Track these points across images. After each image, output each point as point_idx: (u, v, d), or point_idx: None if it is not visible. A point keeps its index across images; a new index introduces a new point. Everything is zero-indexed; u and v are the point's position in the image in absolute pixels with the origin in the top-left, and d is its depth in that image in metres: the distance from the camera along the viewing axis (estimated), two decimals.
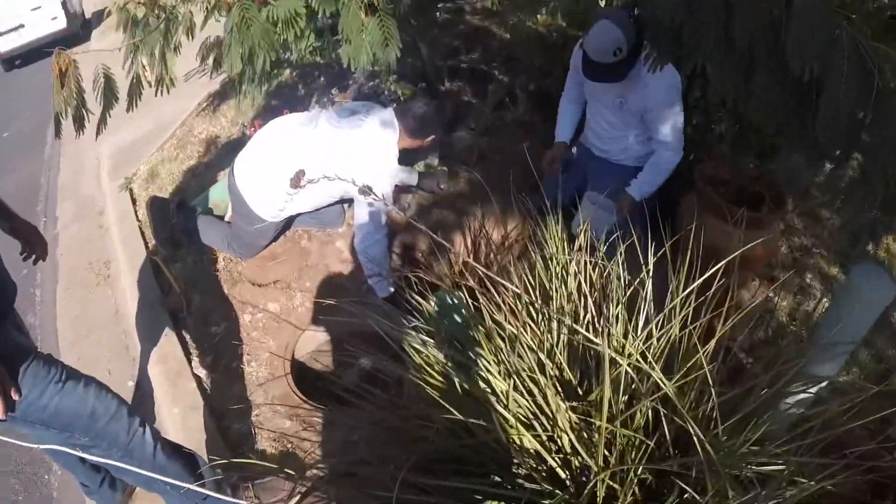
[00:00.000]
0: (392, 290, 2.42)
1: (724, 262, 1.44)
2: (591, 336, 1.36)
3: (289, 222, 2.82)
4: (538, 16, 3.66)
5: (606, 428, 1.24)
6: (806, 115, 1.26)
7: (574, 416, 1.41)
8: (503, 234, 2.71)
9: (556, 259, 1.71)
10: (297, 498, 1.69)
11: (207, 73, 3.76)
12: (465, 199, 2.93)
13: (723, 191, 2.44)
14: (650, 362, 1.31)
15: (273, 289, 2.65)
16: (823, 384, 1.45)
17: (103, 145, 4.71)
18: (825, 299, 2.49)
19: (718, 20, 1.36)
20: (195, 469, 1.84)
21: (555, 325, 1.60)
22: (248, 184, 2.51)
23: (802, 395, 1.44)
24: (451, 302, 2.37)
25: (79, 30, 10.32)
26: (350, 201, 2.68)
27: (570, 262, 1.69)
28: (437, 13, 4.01)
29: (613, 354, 1.27)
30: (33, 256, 1.96)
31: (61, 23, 10.17)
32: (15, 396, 1.41)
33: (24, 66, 10.62)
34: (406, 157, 2.74)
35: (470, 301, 1.76)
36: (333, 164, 2.34)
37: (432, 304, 2.32)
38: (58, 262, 3.67)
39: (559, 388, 1.44)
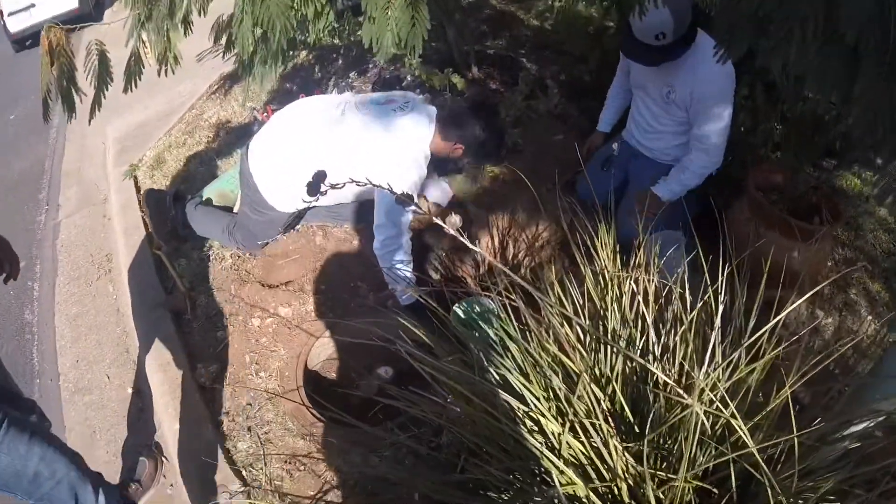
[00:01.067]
0: (415, 297, 2.20)
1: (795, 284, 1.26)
2: (661, 374, 1.14)
3: (301, 215, 2.60)
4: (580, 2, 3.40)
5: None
6: None
7: (633, 462, 1.20)
8: (534, 233, 2.48)
9: (609, 275, 1.48)
10: None
11: (220, 54, 3.55)
12: (495, 194, 2.70)
13: (776, 199, 2.24)
14: (732, 411, 1.08)
15: (284, 291, 2.43)
16: (881, 418, 1.25)
17: (110, 127, 4.51)
18: (869, 316, 2.29)
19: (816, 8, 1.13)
20: None
21: (610, 352, 1.39)
22: (262, 171, 2.30)
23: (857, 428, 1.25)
24: (479, 310, 2.16)
25: (91, 9, 10.15)
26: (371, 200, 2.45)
27: (627, 280, 1.46)
28: None
29: (694, 403, 1.04)
30: (3, 276, 1.71)
31: (73, 2, 10.00)
32: None
33: (35, 47, 10.47)
34: (436, 167, 2.52)
35: (502, 308, 1.52)
36: (357, 160, 2.12)
37: (460, 312, 2.11)
38: (58, 253, 3.48)
39: (614, 427, 1.22)
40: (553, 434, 1.23)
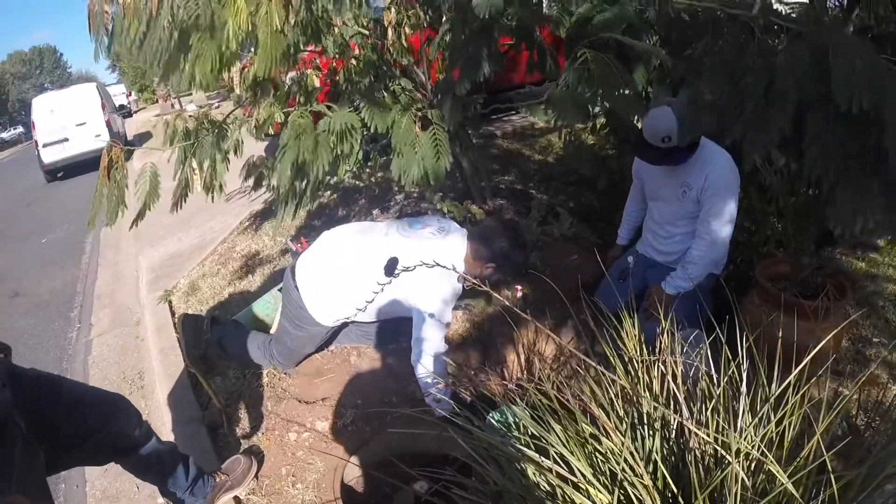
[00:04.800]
0: (450, 407, 2.33)
1: (809, 356, 1.36)
2: (699, 432, 1.26)
3: (335, 333, 2.77)
4: (583, 129, 3.77)
5: None
6: None
7: None
8: (557, 347, 2.64)
9: (637, 360, 1.63)
10: None
11: (248, 194, 3.90)
12: (515, 314, 2.89)
13: (785, 285, 2.40)
14: (768, 457, 1.19)
15: (321, 406, 2.56)
16: None
17: (142, 257, 4.79)
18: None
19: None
20: None
21: (648, 431, 1.50)
22: (309, 285, 2.47)
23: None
24: (511, 419, 2.28)
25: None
26: (401, 319, 2.63)
27: (655, 364, 1.61)
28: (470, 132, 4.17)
29: (732, 460, 1.16)
30: None
31: (104, 140, 10.68)
32: None
33: (66, 179, 11.09)
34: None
35: (533, 415, 1.64)
36: (403, 276, 2.31)
37: (493, 421, 2.23)
38: (88, 370, 3.61)
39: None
40: None
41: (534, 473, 1.46)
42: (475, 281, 1.35)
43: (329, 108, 2.98)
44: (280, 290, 3.25)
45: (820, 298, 2.24)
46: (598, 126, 3.47)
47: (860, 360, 2.50)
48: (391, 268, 2.31)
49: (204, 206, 5.32)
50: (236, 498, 2.29)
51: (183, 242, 4.73)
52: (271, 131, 3.86)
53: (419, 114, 2.80)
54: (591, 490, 1.30)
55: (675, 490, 1.30)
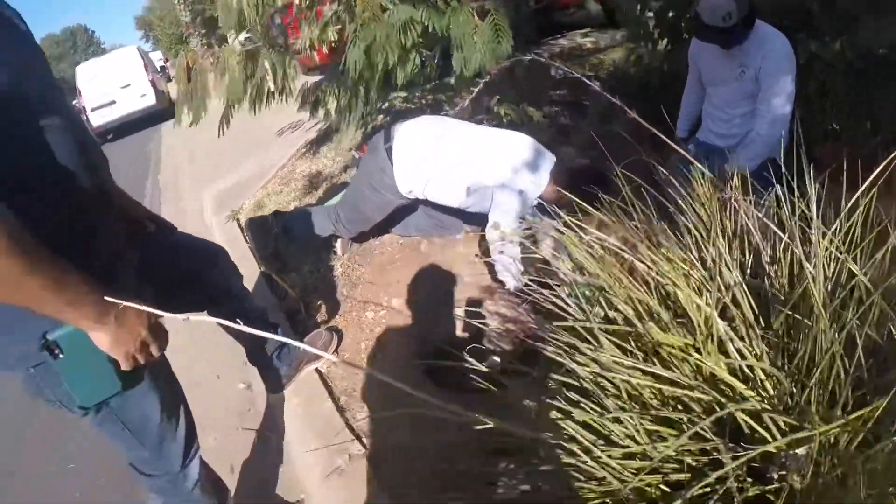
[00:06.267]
0: (522, 283, 2.45)
1: None
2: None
3: (400, 218, 2.91)
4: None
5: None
6: None
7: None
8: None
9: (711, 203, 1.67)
10: None
11: (298, 127, 4.01)
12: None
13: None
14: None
15: (397, 286, 2.70)
16: None
17: (205, 192, 4.98)
18: None
19: None
20: None
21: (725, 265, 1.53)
22: (402, 152, 2.56)
23: None
24: (589, 293, 2.38)
25: (167, 105, 11.06)
26: (471, 215, 2.73)
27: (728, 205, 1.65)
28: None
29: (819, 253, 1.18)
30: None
31: (150, 99, 10.95)
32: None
33: (115, 141, 11.43)
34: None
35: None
36: (493, 160, 2.46)
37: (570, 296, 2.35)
38: None
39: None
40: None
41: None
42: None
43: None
44: None
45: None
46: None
47: None
48: (489, 159, 2.43)
49: (256, 142, 5.52)
50: (318, 371, 2.47)
51: (242, 174, 4.90)
52: (317, 60, 3.94)
53: (475, 4, 2.87)
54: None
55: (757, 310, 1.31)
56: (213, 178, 5.31)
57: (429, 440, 2.05)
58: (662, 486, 1.22)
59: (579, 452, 1.23)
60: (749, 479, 1.15)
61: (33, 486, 2.51)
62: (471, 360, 2.36)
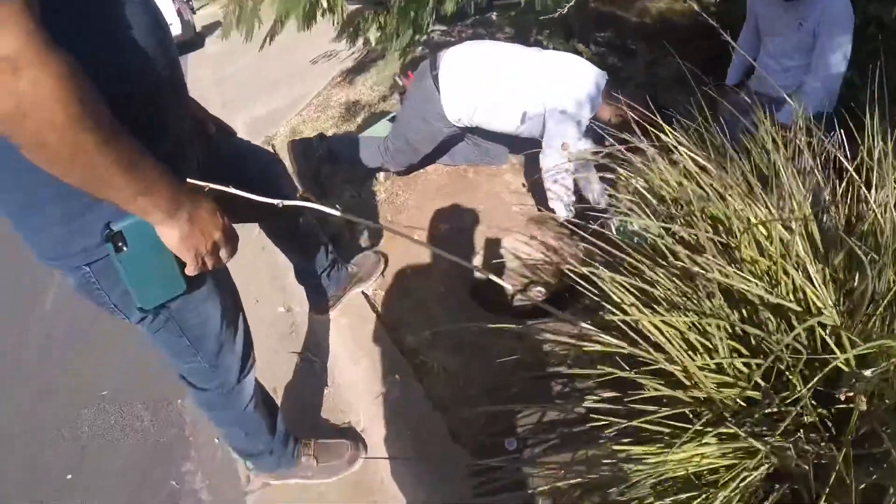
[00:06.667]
0: (572, 214, 2.39)
1: None
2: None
3: (447, 148, 2.82)
4: None
5: None
6: None
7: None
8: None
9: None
10: None
11: (334, 57, 3.86)
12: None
13: None
14: None
15: (443, 211, 2.64)
16: None
17: (237, 120, 4.89)
18: None
19: None
20: (274, 424, 1.72)
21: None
22: (450, 79, 2.49)
23: None
24: (634, 228, 2.31)
25: (194, 35, 10.86)
26: (525, 141, 2.65)
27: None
28: None
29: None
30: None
31: (176, 29, 10.70)
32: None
33: None
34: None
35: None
36: (548, 84, 2.37)
37: (618, 232, 2.28)
38: None
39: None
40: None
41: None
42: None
43: None
44: (390, 118, 3.29)
45: None
46: None
47: None
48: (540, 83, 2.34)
49: (289, 72, 5.38)
50: (364, 293, 2.43)
51: (276, 102, 4.79)
52: None
53: None
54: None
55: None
56: (244, 107, 5.21)
57: (479, 361, 2.03)
58: (739, 400, 1.21)
59: (673, 356, 1.18)
60: (814, 403, 1.16)
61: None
62: (513, 287, 2.34)
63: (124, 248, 1.00)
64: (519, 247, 2.51)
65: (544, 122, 2.38)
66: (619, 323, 1.28)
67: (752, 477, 1.10)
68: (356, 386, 2.15)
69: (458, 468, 1.74)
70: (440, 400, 1.95)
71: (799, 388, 1.07)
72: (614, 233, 2.29)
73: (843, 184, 1.56)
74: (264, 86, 5.46)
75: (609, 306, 1.28)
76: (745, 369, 1.24)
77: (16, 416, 2.45)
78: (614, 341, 1.20)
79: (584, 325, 1.13)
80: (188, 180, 1.02)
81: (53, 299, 3.12)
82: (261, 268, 2.93)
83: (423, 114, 2.56)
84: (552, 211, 2.43)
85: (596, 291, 1.38)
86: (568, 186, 2.38)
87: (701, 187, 1.53)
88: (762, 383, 1.19)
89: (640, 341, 1.24)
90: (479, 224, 2.58)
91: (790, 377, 1.14)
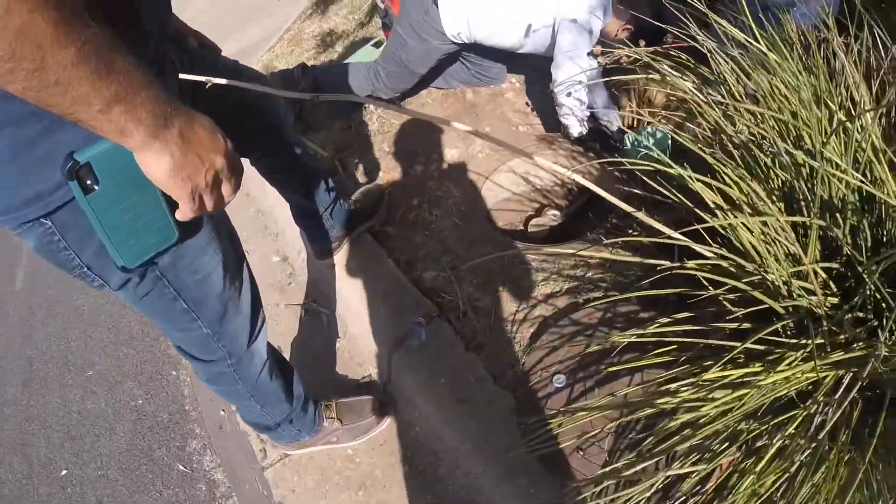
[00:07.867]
0: (585, 130, 2.13)
1: None
2: None
3: (442, 69, 2.54)
4: None
5: None
6: None
7: None
8: None
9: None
10: None
11: None
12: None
13: None
14: None
15: (445, 138, 2.37)
16: None
17: None
18: None
19: None
20: (290, 389, 1.49)
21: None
22: None
23: None
24: (653, 140, 2.08)
25: None
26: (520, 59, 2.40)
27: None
28: None
29: None
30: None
31: None
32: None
33: None
34: None
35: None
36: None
37: (630, 142, 2.06)
38: None
39: None
40: None
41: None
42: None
43: None
44: (374, 44, 2.98)
45: None
46: None
47: None
48: None
49: (255, 8, 4.97)
50: (369, 231, 2.17)
51: (243, 40, 4.39)
52: None
53: None
54: None
55: None
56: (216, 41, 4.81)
57: (511, 293, 1.81)
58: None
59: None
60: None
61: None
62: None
63: (95, 187, 0.72)
64: (528, 169, 2.27)
65: (553, 34, 2.11)
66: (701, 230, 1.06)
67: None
68: (372, 335, 1.92)
69: (502, 412, 1.54)
70: (472, 339, 1.72)
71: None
72: (628, 145, 2.07)
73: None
74: (231, 22, 5.05)
75: (698, 211, 1.04)
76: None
77: None
78: (715, 249, 0.97)
79: (672, 232, 0.88)
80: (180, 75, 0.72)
81: (23, 276, 2.86)
82: (248, 215, 2.67)
83: (418, 30, 2.26)
84: (565, 128, 2.17)
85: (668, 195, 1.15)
86: (581, 99, 2.12)
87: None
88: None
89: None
90: (485, 147, 2.31)
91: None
